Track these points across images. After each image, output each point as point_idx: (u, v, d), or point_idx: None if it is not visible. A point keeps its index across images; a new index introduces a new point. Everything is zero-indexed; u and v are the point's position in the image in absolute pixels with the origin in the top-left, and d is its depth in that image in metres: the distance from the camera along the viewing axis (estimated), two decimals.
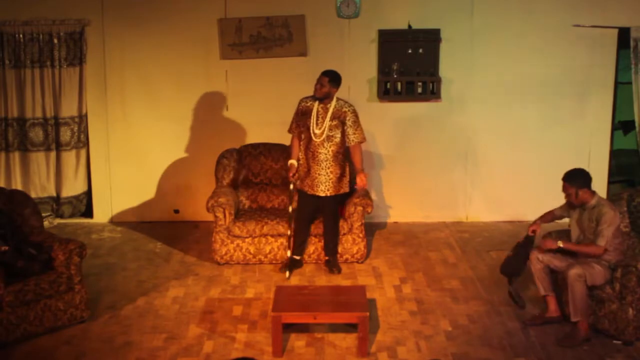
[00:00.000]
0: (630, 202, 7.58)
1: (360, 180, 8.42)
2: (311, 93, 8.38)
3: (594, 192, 7.07)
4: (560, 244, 7.02)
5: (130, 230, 10.05)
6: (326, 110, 8.29)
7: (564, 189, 7.12)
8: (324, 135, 8.29)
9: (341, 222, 8.73)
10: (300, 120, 8.40)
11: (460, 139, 10.22)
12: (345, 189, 8.52)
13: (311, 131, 8.30)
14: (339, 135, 8.33)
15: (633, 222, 7.54)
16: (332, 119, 8.27)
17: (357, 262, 8.85)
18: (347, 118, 8.31)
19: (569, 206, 7.22)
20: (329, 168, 8.34)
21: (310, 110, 8.32)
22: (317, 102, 8.32)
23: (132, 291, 8.11)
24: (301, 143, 8.45)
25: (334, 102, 8.30)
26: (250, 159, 9.40)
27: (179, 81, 10.07)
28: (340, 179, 8.41)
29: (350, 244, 8.79)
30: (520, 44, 10.01)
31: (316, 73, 8.40)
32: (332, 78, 8.24)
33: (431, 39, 9.91)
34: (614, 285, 6.89)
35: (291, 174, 8.42)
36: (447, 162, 10.29)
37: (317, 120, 8.30)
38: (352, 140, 8.38)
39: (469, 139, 10.21)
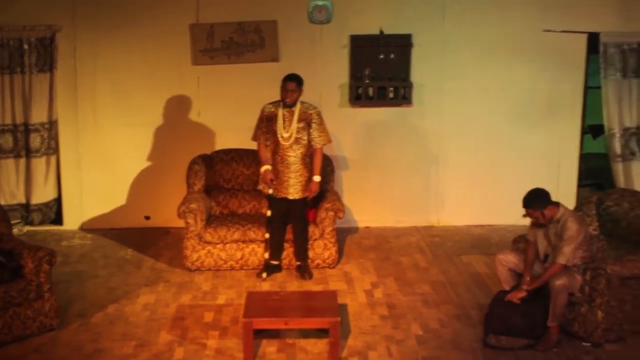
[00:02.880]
0: (599, 205, 7.64)
1: (313, 186, 8.43)
2: (278, 99, 8.40)
3: (558, 205, 7.02)
4: (526, 287, 6.96)
5: (100, 237, 9.99)
6: (292, 114, 8.30)
7: (529, 215, 7.02)
8: (292, 139, 8.29)
9: (312, 228, 8.73)
10: (266, 126, 8.40)
11: (431, 144, 10.26)
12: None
13: (279, 135, 8.30)
14: (306, 138, 8.35)
15: (602, 225, 7.60)
16: (299, 122, 8.29)
17: (329, 267, 8.85)
18: (313, 120, 8.34)
19: (537, 225, 7.13)
20: (298, 171, 8.35)
21: (276, 115, 8.32)
22: (281, 107, 8.33)
23: (102, 298, 8.06)
24: (267, 149, 8.44)
25: (298, 105, 8.31)
26: (221, 165, 9.39)
27: (150, 87, 10.04)
28: (308, 181, 8.42)
29: (322, 249, 8.79)
30: (491, 49, 10.08)
31: None
32: (299, 82, 8.26)
33: (403, 44, 9.95)
34: (583, 289, 6.93)
35: (269, 179, 8.39)
36: (419, 167, 10.32)
37: (284, 124, 8.30)
38: (318, 143, 8.40)
39: (440, 143, 10.26)
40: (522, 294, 6.93)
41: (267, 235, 8.61)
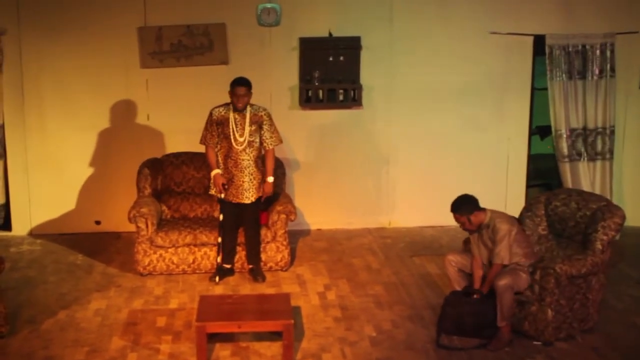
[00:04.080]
0: (548, 205, 7.73)
1: (267, 187, 8.43)
2: (226, 101, 8.38)
3: (484, 210, 7.15)
4: (479, 290, 7.09)
5: (50, 242, 9.88)
6: (243, 117, 8.28)
7: (456, 220, 7.18)
8: (246, 142, 8.28)
9: (265, 230, 8.73)
10: (216, 130, 8.37)
11: (381, 146, 10.32)
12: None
13: (232, 139, 8.27)
14: (258, 140, 8.35)
15: (550, 225, 7.69)
16: (251, 125, 8.27)
17: (281, 270, 8.86)
18: (264, 122, 8.34)
19: (471, 232, 7.26)
20: (252, 174, 8.34)
21: (227, 119, 8.29)
22: (231, 111, 8.30)
23: (53, 304, 7.96)
24: (218, 153, 8.42)
25: (248, 108, 8.29)
26: (172, 168, 9.34)
27: (98, 90, 9.94)
28: (261, 183, 8.42)
29: (274, 252, 8.79)
30: (438, 51, 10.16)
31: None
32: (248, 86, 8.23)
33: (352, 46, 9.99)
34: (533, 288, 7.02)
35: (221, 183, 8.36)
36: (369, 169, 10.38)
37: (236, 127, 8.28)
38: (270, 144, 8.40)
39: (390, 145, 10.32)
40: (476, 297, 7.06)
41: (219, 240, 8.59)
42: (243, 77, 8.32)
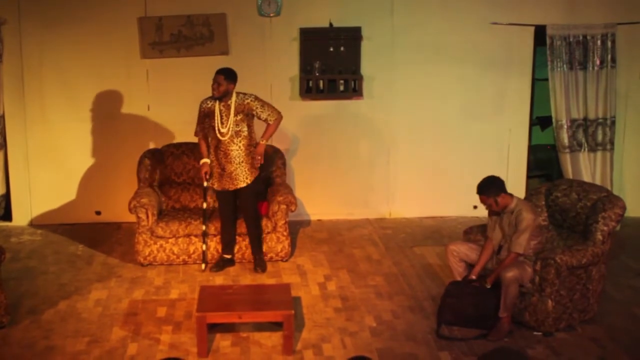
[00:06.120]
0: (548, 196, 7.74)
1: (259, 147, 8.37)
2: None
3: (512, 195, 7.15)
4: (488, 284, 7.08)
5: (50, 232, 9.89)
6: (228, 107, 8.24)
7: (483, 202, 7.15)
8: (230, 133, 8.23)
9: (265, 221, 8.73)
10: (205, 122, 8.37)
11: (382, 136, 10.31)
12: (257, 172, 8.50)
13: (216, 131, 8.26)
14: (246, 129, 8.30)
15: (551, 216, 7.69)
16: (236, 114, 8.24)
17: (282, 260, 8.86)
18: (253, 108, 8.29)
19: (493, 214, 7.26)
20: (242, 163, 8.32)
21: (213, 111, 8.29)
22: (217, 102, 8.28)
23: (54, 295, 7.96)
24: (209, 144, 8.41)
25: (234, 98, 8.25)
26: (172, 159, 9.34)
27: (99, 81, 9.94)
28: (253, 165, 8.39)
29: (275, 242, 8.79)
30: (439, 42, 10.14)
31: (239, 71, 8.34)
32: (227, 75, 8.19)
33: (352, 37, 9.98)
34: (533, 278, 7.03)
35: (203, 172, 8.39)
36: (370, 159, 10.37)
37: (221, 119, 8.26)
38: (271, 120, 8.35)
39: (391, 136, 10.31)
40: (477, 284, 7.06)
41: (204, 228, 8.60)
42: (228, 68, 8.29)
